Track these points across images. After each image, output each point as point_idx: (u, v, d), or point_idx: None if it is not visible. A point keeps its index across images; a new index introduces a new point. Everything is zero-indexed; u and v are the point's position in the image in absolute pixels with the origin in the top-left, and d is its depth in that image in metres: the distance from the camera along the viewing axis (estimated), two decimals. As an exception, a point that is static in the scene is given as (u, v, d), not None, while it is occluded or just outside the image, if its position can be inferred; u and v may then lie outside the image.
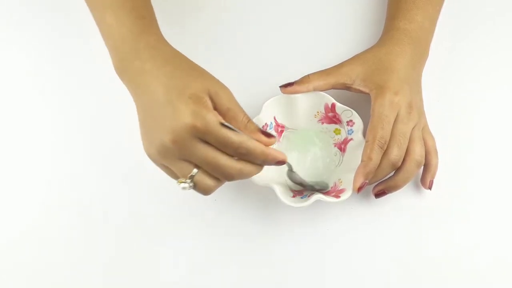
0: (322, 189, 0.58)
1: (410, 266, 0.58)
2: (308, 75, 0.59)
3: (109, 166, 0.62)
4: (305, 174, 0.59)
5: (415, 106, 0.56)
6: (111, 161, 0.62)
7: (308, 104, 0.59)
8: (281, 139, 0.61)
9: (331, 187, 0.57)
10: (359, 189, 0.54)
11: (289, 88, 0.58)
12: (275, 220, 0.59)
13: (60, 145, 0.63)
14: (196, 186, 0.47)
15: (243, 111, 0.49)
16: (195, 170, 0.46)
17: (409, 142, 0.55)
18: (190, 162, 0.46)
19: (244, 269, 0.58)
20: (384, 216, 0.59)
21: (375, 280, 0.58)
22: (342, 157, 0.60)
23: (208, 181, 0.47)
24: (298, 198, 0.55)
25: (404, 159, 0.55)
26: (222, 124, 0.45)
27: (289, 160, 0.59)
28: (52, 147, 0.63)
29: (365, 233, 0.59)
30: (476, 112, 0.63)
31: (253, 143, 0.46)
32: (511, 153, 0.62)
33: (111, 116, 0.63)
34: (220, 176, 0.47)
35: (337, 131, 0.60)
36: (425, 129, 0.58)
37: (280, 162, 0.49)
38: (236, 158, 0.47)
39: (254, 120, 0.58)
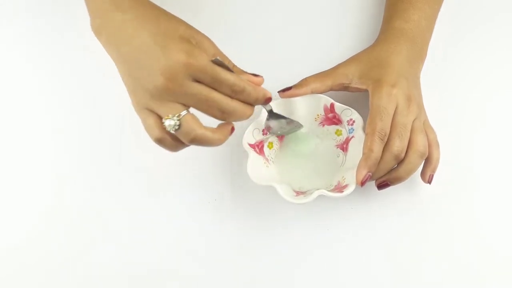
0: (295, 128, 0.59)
1: (410, 266, 0.57)
2: (306, 78, 0.58)
3: (108, 169, 0.62)
4: (307, 178, 0.59)
5: (415, 100, 0.56)
6: (110, 163, 0.62)
7: (307, 106, 0.59)
8: (281, 144, 0.61)
9: (335, 186, 0.56)
10: (363, 182, 0.53)
11: (287, 92, 0.58)
12: (275, 221, 0.59)
13: (61, 144, 0.63)
14: (181, 126, 0.46)
15: (228, 58, 0.51)
16: (184, 112, 0.46)
17: (411, 134, 0.54)
18: (181, 104, 0.46)
19: (243, 268, 0.58)
20: (384, 216, 0.59)
21: (375, 280, 0.57)
22: (345, 156, 0.59)
23: (194, 124, 0.46)
24: (300, 196, 0.55)
25: (406, 151, 0.54)
26: (215, 62, 0.45)
27: (291, 165, 0.60)
28: (53, 146, 0.63)
29: (365, 233, 0.58)
30: (477, 112, 0.63)
31: (246, 81, 0.48)
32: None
33: (115, 115, 0.64)
34: (216, 111, 0.47)
35: (338, 132, 0.60)
36: (425, 123, 0.57)
37: (268, 99, 0.50)
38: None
39: (254, 123, 0.58)
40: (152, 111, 0.47)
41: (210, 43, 0.49)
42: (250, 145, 0.57)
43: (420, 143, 0.54)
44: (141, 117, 0.48)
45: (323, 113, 0.59)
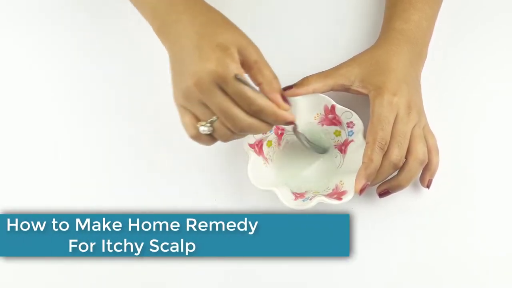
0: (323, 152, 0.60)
1: (409, 267, 0.58)
2: (307, 77, 0.58)
3: (107, 168, 0.62)
4: (304, 178, 0.60)
5: (415, 106, 0.56)
6: (109, 163, 0.62)
7: (308, 106, 0.59)
8: (281, 142, 0.61)
9: (333, 189, 0.57)
10: (361, 191, 0.54)
11: (288, 92, 0.58)
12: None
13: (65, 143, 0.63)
14: (216, 132, 0.48)
15: (270, 67, 0.50)
16: (215, 117, 0.48)
17: (410, 141, 0.55)
18: (210, 108, 0.48)
19: (243, 269, 0.58)
20: (383, 216, 0.59)
21: (375, 281, 0.58)
22: (343, 158, 0.59)
23: (226, 129, 0.48)
24: (299, 200, 0.55)
25: (406, 159, 0.55)
26: (237, 78, 0.46)
27: (289, 162, 0.60)
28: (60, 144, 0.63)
29: (364, 233, 0.59)
30: (477, 112, 0.63)
31: (265, 102, 0.48)
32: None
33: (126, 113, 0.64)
34: (231, 126, 0.48)
35: (337, 133, 0.60)
36: (425, 128, 0.57)
37: (290, 123, 0.50)
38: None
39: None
40: (187, 109, 0.49)
41: (253, 49, 0.49)
42: (250, 145, 0.58)
43: (419, 151, 0.55)
44: (179, 114, 0.50)
45: (323, 113, 0.60)
